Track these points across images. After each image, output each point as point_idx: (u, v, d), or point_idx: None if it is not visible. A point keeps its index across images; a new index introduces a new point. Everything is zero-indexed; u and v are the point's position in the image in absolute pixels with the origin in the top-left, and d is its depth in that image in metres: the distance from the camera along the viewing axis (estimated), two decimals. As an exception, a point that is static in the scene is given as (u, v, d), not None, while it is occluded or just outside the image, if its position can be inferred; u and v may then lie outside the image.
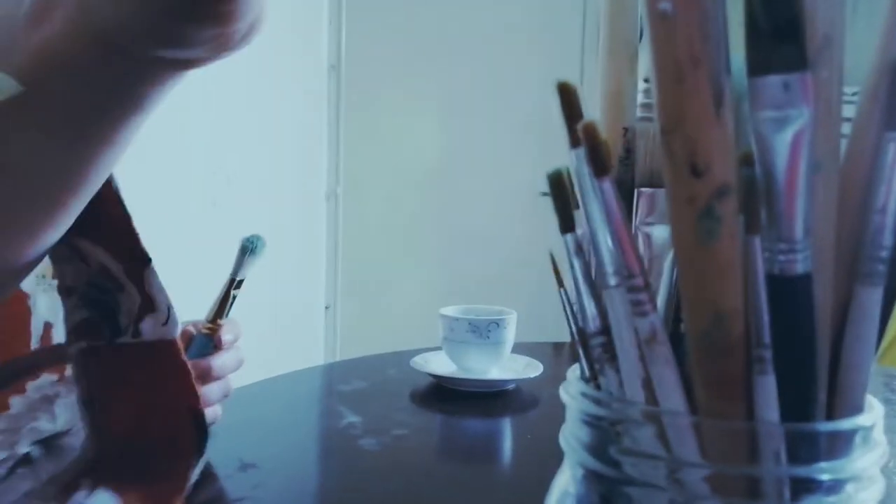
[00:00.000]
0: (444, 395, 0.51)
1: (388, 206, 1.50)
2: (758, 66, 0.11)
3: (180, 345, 0.23)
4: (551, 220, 0.14)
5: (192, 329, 0.37)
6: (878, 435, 0.14)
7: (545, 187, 0.14)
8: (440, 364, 0.54)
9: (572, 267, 0.14)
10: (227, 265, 0.38)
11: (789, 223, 0.12)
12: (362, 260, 1.48)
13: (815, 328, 0.13)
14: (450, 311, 0.54)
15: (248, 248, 0.36)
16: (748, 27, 0.11)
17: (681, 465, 0.13)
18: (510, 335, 0.53)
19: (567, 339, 0.67)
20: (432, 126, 1.51)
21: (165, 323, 0.23)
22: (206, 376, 0.37)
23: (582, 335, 0.14)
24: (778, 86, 0.11)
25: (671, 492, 0.13)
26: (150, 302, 0.23)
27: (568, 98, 0.13)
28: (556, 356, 0.64)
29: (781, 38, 0.11)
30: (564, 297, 0.15)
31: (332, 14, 1.48)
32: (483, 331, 0.51)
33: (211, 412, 0.39)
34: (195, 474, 0.25)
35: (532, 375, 0.52)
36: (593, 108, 0.15)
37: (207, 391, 0.38)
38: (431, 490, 0.35)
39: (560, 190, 0.14)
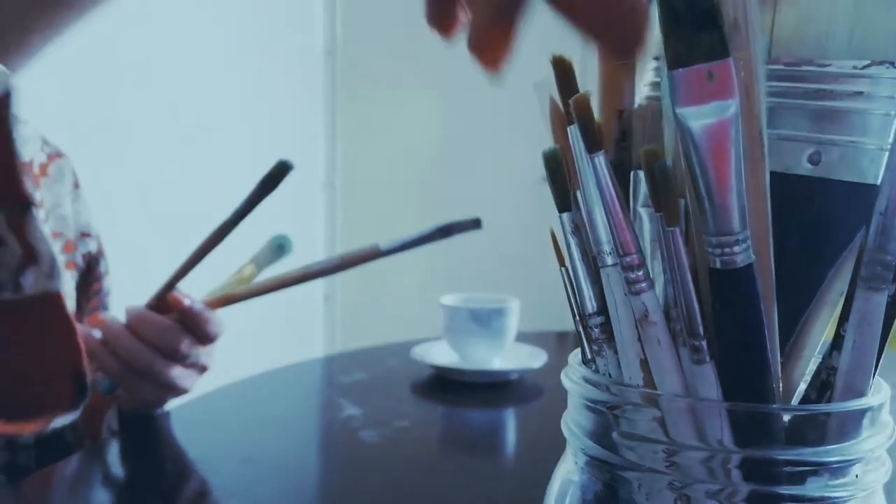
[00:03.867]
0: (446, 386, 0.51)
1: (385, 195, 1.50)
2: (679, 58, 0.11)
3: (65, 299, 0.23)
4: (552, 206, 0.14)
5: (186, 300, 0.36)
6: (886, 416, 0.14)
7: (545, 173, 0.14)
8: (441, 354, 0.54)
9: (569, 246, 0.14)
10: (225, 254, 0.38)
11: (726, 216, 0.12)
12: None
13: (762, 317, 0.12)
14: (450, 299, 0.53)
15: (285, 248, 0.36)
16: (666, 20, 0.11)
17: (679, 448, 0.13)
18: (513, 324, 0.52)
19: (572, 327, 0.66)
20: (430, 112, 1.50)
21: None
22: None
23: (581, 315, 0.14)
24: (702, 76, 0.11)
25: (671, 475, 0.13)
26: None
27: (563, 72, 0.13)
28: (561, 345, 0.64)
29: (701, 28, 0.11)
30: (565, 276, 0.14)
31: (326, -1, 1.46)
32: (485, 320, 0.51)
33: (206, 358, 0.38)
34: (59, 423, 0.24)
35: (536, 365, 0.51)
36: (593, 92, 0.15)
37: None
38: (433, 483, 0.35)
39: (556, 168, 0.13)
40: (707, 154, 0.11)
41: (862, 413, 0.13)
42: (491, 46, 0.15)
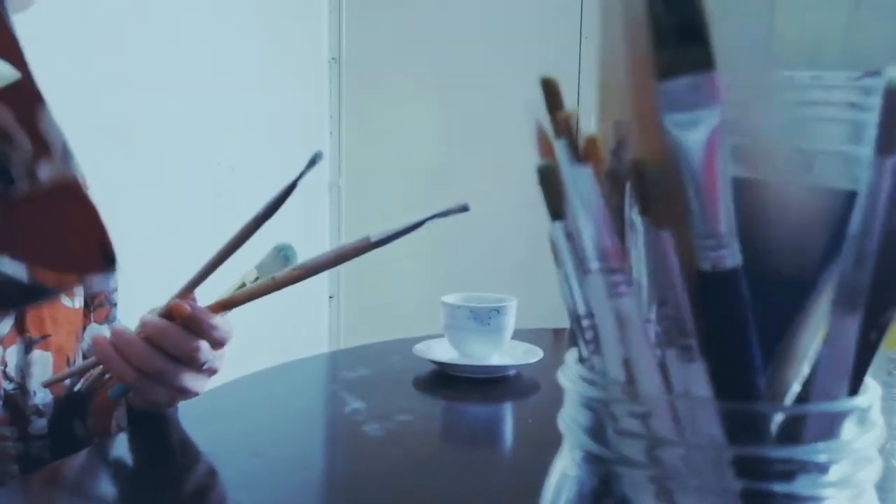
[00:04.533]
0: (447, 381, 0.52)
1: (389, 197, 1.51)
2: (665, 68, 0.11)
3: (82, 183, 0.23)
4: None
5: (187, 308, 0.37)
6: (875, 416, 0.14)
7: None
8: (442, 351, 0.54)
9: (562, 252, 0.14)
10: (233, 255, 0.39)
11: (714, 220, 0.12)
12: (365, 250, 1.48)
13: (749, 317, 0.13)
14: (451, 298, 0.54)
15: (290, 258, 0.37)
16: (653, 30, 0.11)
17: (659, 443, 0.13)
18: (510, 322, 0.53)
19: (566, 325, 0.67)
20: (433, 116, 1.51)
21: (64, 161, 0.22)
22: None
23: (575, 317, 0.15)
24: (687, 87, 0.11)
25: (666, 470, 0.13)
26: (44, 145, 0.21)
27: (550, 92, 0.14)
28: (556, 342, 0.65)
29: (686, 40, 0.11)
30: (562, 277, 0.15)
31: (332, 6, 1.47)
32: (484, 318, 0.52)
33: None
34: (96, 285, 0.24)
35: (532, 361, 0.52)
36: (591, 100, 0.15)
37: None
38: (435, 474, 0.36)
39: (550, 181, 0.14)
40: (694, 161, 0.12)
41: (848, 413, 0.13)
42: None
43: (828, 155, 0.14)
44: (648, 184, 0.12)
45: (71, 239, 0.23)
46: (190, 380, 0.38)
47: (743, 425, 0.13)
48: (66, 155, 0.22)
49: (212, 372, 0.39)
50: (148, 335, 0.36)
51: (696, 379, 0.13)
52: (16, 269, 0.22)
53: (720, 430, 0.13)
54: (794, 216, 0.14)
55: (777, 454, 0.13)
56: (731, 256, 0.12)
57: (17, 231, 0.23)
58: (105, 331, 0.46)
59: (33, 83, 0.21)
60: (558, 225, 0.14)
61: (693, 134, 0.12)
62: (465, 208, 0.37)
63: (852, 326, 0.13)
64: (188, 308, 0.36)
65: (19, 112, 0.21)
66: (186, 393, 0.39)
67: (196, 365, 0.37)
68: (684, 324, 0.13)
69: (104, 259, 0.24)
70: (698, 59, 0.11)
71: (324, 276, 1.52)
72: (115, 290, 0.47)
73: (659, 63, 0.11)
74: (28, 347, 0.40)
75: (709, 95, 0.11)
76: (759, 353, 0.13)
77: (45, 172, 0.22)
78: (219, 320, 0.37)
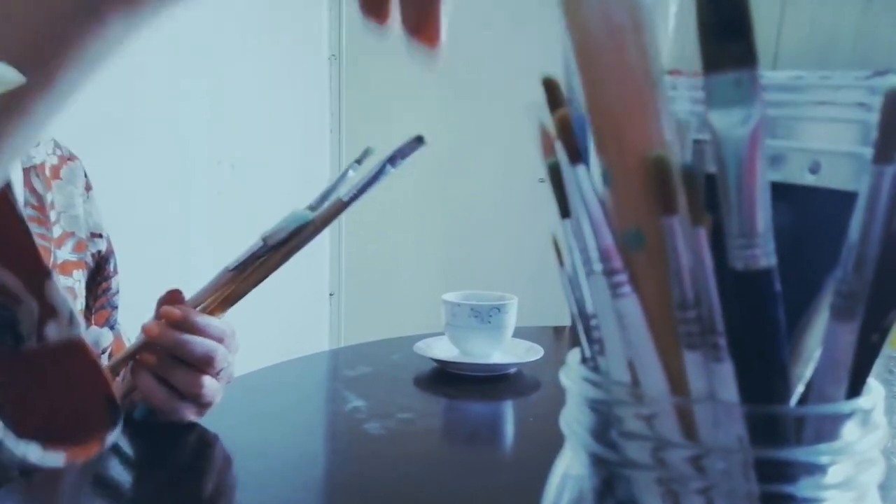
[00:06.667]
0: (448, 379, 0.52)
1: (388, 193, 1.50)
2: (710, 63, 0.11)
3: (87, 341, 0.24)
4: (551, 206, 0.14)
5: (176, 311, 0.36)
6: (878, 417, 0.14)
7: (543, 174, 0.14)
8: (443, 349, 0.54)
9: (570, 251, 0.14)
10: (234, 252, 0.39)
11: (751, 218, 0.12)
12: (365, 248, 1.48)
13: (781, 318, 0.13)
14: (452, 296, 0.54)
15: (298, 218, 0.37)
16: (699, 24, 0.11)
17: (664, 445, 0.13)
18: (511, 320, 0.53)
19: (567, 323, 0.67)
20: (432, 114, 1.50)
21: (70, 325, 0.23)
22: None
23: (582, 316, 0.15)
24: (730, 82, 0.11)
25: (657, 471, 0.13)
26: (52, 309, 0.23)
27: (552, 92, 0.14)
28: (557, 340, 0.65)
29: (729, 35, 0.11)
30: (565, 277, 0.15)
31: (331, 3, 1.47)
32: (485, 316, 0.52)
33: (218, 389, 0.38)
34: (110, 441, 0.26)
35: (533, 359, 0.52)
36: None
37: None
38: (436, 472, 0.36)
39: (559, 178, 0.14)
40: (733, 158, 0.12)
41: (850, 415, 0.13)
42: (423, 24, 0.16)
43: (836, 155, 0.14)
44: (687, 179, 0.12)
45: (79, 392, 0.25)
46: (216, 392, 0.38)
47: (767, 427, 0.13)
48: (73, 321, 0.23)
49: (228, 379, 0.40)
50: (167, 347, 0.36)
51: (723, 380, 0.13)
52: (31, 451, 0.23)
53: (745, 432, 0.13)
54: (801, 217, 0.14)
55: (781, 455, 0.13)
56: (766, 256, 0.12)
57: (29, 384, 0.24)
58: (106, 334, 0.46)
59: (40, 261, 0.23)
60: (567, 223, 0.14)
61: (736, 130, 0.11)
62: (420, 140, 0.37)
63: (850, 330, 0.13)
64: (178, 312, 0.36)
65: (27, 281, 0.23)
66: (208, 406, 0.39)
67: (213, 370, 0.37)
68: (715, 323, 0.13)
69: (110, 412, 0.25)
70: (741, 54, 0.11)
71: (324, 274, 1.52)
72: (117, 292, 0.47)
73: (704, 57, 0.11)
74: None
75: (751, 91, 0.11)
76: (788, 355, 0.13)
77: (52, 332, 0.23)
78: (212, 320, 0.37)
